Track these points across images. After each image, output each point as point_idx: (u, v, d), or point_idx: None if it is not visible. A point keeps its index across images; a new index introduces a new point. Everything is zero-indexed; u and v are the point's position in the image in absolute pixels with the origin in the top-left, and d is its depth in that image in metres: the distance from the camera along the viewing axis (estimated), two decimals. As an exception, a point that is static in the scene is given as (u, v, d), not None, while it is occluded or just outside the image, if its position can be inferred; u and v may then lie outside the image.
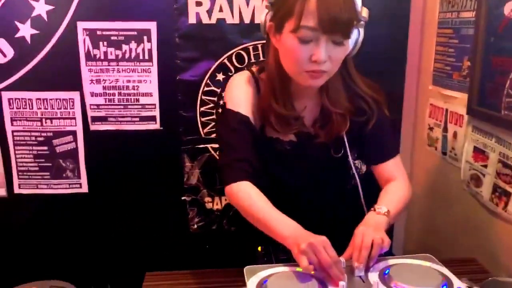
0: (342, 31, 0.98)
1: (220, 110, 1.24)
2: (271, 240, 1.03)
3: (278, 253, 1.15)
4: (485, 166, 1.32)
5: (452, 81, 1.49)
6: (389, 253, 1.02)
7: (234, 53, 1.62)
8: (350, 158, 1.15)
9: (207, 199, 1.75)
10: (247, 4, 1.57)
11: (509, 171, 1.21)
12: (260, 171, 1.11)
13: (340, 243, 0.97)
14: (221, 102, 1.58)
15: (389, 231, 1.47)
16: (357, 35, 1.06)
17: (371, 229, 0.96)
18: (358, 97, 1.14)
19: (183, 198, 1.74)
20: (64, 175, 1.67)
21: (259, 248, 1.21)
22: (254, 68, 1.18)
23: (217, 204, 1.76)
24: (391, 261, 0.98)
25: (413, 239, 1.83)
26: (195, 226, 1.77)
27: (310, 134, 1.15)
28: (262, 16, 1.07)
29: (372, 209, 1.04)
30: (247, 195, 1.03)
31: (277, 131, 1.12)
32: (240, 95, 1.12)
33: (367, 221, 1.02)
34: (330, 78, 1.07)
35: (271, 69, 1.10)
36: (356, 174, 1.18)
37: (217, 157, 1.67)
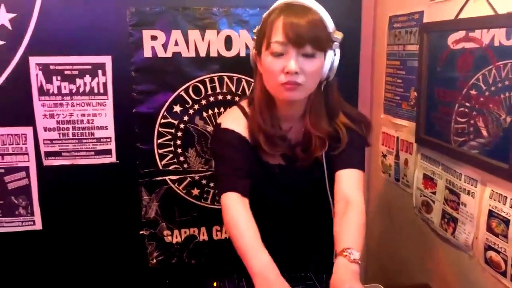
0: (310, 43, 1.05)
1: (214, 130, 1.31)
2: (227, 274, 1.07)
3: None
4: (434, 193, 1.36)
5: (402, 110, 1.55)
6: None
7: (191, 85, 1.64)
8: (326, 180, 1.18)
9: (166, 232, 1.72)
10: (202, 38, 1.60)
11: (455, 197, 1.26)
12: (251, 188, 1.14)
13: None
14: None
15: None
16: (333, 56, 1.11)
17: (351, 284, 0.92)
18: (334, 124, 1.19)
19: (141, 232, 1.71)
20: (16, 212, 1.61)
21: (214, 284, 1.21)
22: (243, 102, 1.26)
23: (176, 237, 1.73)
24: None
25: (374, 263, 1.86)
26: (154, 260, 1.74)
27: (295, 157, 1.20)
28: (251, 48, 1.18)
29: (341, 251, 0.98)
30: (233, 216, 1.07)
31: (266, 152, 1.17)
32: (233, 119, 1.20)
33: (342, 272, 0.95)
34: (313, 101, 1.15)
35: (258, 93, 1.17)
36: (329, 195, 1.19)
37: (172, 190, 1.68)
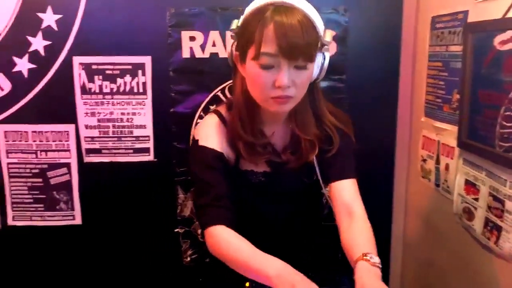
0: (303, 56, 0.98)
1: (191, 147, 1.22)
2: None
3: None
4: (477, 199, 1.31)
5: (443, 113, 1.50)
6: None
7: (227, 86, 1.65)
8: (321, 183, 1.15)
9: (200, 231, 1.74)
10: (240, 38, 1.60)
11: (499, 205, 1.20)
12: (238, 203, 1.11)
13: (315, 271, 1.00)
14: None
15: (385, 262, 1.45)
16: (322, 59, 1.06)
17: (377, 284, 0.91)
18: (323, 125, 1.14)
19: (176, 230, 1.73)
20: (57, 207, 1.67)
21: (247, 284, 1.20)
22: (220, 107, 1.20)
23: (210, 236, 1.74)
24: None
25: (410, 272, 1.80)
26: (188, 258, 1.75)
27: (282, 163, 1.15)
28: (229, 46, 1.08)
29: (363, 256, 0.96)
30: (227, 241, 1.03)
31: (247, 161, 1.12)
32: (211, 132, 1.14)
33: (367, 276, 0.93)
34: (299, 104, 1.08)
35: (238, 97, 1.11)
36: (328, 199, 1.17)
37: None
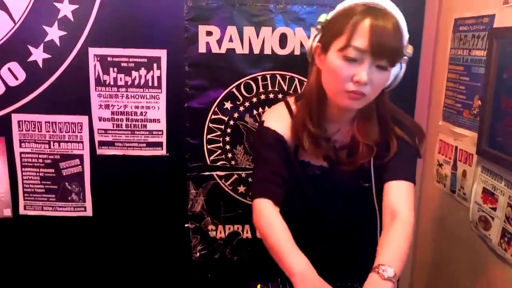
0: (388, 57, 1.01)
1: (257, 127, 1.33)
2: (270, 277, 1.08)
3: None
4: (494, 209, 1.28)
5: (463, 118, 1.46)
6: None
7: (243, 83, 1.62)
8: (373, 186, 1.14)
9: (211, 227, 1.73)
10: (257, 35, 1.58)
11: (518, 216, 1.18)
12: (293, 190, 1.16)
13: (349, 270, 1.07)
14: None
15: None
16: (399, 69, 1.08)
17: None
18: (385, 133, 1.14)
19: (186, 225, 1.72)
20: (69, 198, 1.67)
21: (258, 286, 1.19)
22: (290, 98, 1.23)
23: (220, 232, 1.74)
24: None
25: (420, 276, 1.79)
26: (198, 254, 1.75)
27: (339, 160, 1.17)
28: (310, 40, 1.11)
29: (375, 267, 0.95)
30: (269, 219, 1.07)
31: (308, 152, 1.14)
32: (277, 117, 1.19)
33: None
34: (364, 108, 1.09)
35: (311, 89, 1.14)
36: (377, 206, 1.15)
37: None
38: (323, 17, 1.09)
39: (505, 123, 1.23)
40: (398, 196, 1.08)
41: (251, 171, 1.68)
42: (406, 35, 1.05)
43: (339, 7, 1.08)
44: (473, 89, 1.41)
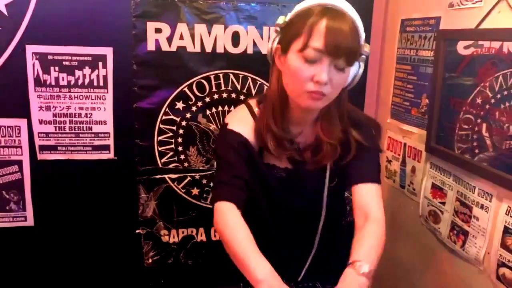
0: (346, 57, 1.01)
1: (220, 129, 1.30)
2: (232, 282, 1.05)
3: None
4: (443, 203, 1.34)
5: (411, 116, 1.52)
6: None
7: (195, 82, 1.58)
8: (326, 186, 1.17)
9: (163, 231, 1.67)
10: (209, 33, 1.54)
11: (466, 210, 1.24)
12: (259, 192, 1.16)
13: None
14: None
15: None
16: (357, 68, 1.10)
17: None
18: (346, 132, 1.16)
19: (137, 231, 1.65)
20: (7, 207, 1.54)
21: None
22: (251, 100, 1.22)
23: (174, 237, 1.68)
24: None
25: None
26: (150, 260, 1.69)
27: (303, 162, 1.17)
28: (269, 42, 1.11)
29: (351, 264, 0.97)
30: (231, 223, 1.04)
31: (273, 154, 1.14)
32: (240, 119, 1.17)
33: (348, 284, 0.94)
34: (326, 107, 1.10)
35: (273, 91, 1.13)
36: (325, 204, 1.19)
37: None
38: (281, 19, 1.09)
39: (453, 121, 1.29)
40: (367, 197, 1.12)
41: (206, 172, 1.65)
42: (362, 35, 1.07)
43: (297, 8, 1.08)
44: (421, 88, 1.46)
